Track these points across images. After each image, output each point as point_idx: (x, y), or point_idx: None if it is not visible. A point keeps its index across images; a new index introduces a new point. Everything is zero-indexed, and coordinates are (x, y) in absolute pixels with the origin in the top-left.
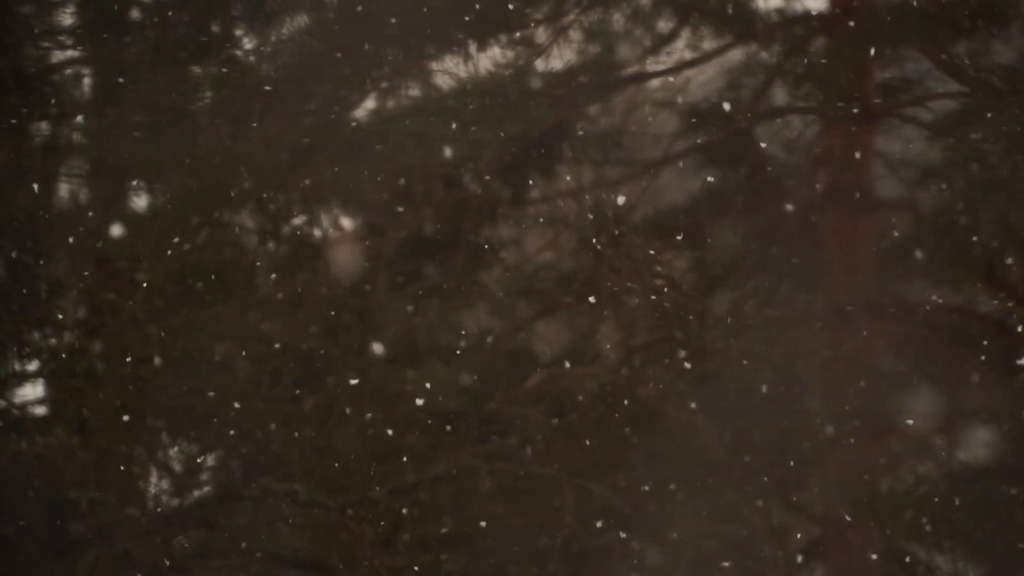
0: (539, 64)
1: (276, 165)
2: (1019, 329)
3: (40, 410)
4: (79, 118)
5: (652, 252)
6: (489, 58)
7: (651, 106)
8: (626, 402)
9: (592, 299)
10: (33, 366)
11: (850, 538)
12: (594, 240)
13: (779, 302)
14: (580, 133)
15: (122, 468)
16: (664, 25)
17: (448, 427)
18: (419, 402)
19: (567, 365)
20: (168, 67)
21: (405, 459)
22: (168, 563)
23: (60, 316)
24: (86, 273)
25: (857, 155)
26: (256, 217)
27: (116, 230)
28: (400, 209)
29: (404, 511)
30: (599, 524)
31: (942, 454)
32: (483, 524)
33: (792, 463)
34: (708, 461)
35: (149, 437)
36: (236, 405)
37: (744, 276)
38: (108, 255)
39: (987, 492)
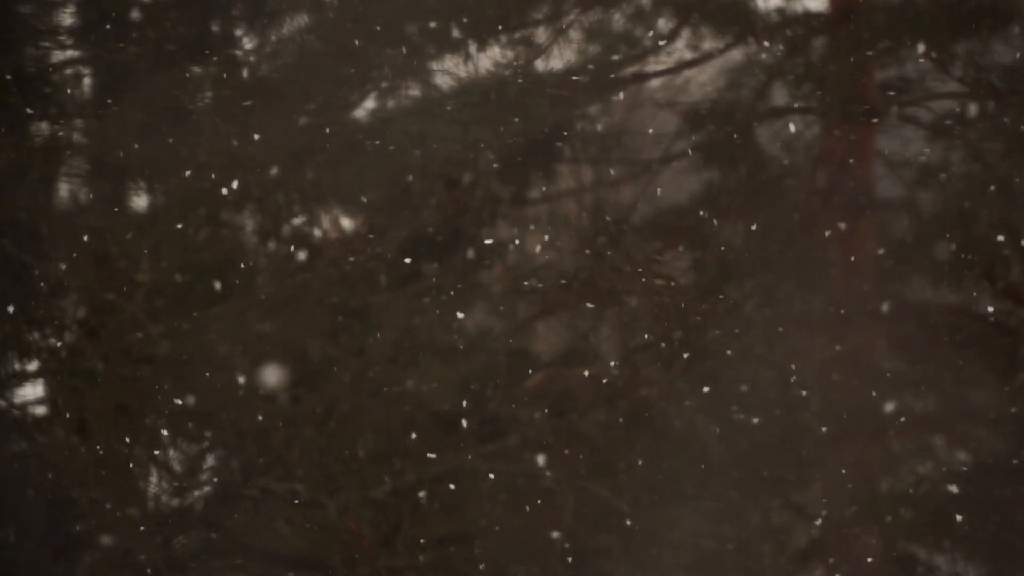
0: (539, 64)
1: (276, 165)
2: (1019, 329)
3: (40, 410)
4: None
5: (652, 252)
6: (489, 58)
7: (651, 106)
8: (626, 402)
9: (592, 299)
10: (33, 366)
11: (850, 538)
12: (594, 240)
13: (779, 302)
14: (580, 133)
15: (122, 468)
16: (664, 25)
17: (448, 427)
18: (419, 402)
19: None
20: (168, 67)
21: (405, 459)
22: (168, 563)
23: (60, 316)
24: (86, 273)
25: (857, 155)
26: (256, 217)
27: (116, 230)
28: (400, 209)
29: (404, 511)
30: (599, 524)
31: (942, 454)
32: (483, 524)
33: (792, 463)
34: (708, 461)
35: (149, 437)
36: (236, 405)
37: (744, 276)
38: (108, 255)
39: (987, 492)
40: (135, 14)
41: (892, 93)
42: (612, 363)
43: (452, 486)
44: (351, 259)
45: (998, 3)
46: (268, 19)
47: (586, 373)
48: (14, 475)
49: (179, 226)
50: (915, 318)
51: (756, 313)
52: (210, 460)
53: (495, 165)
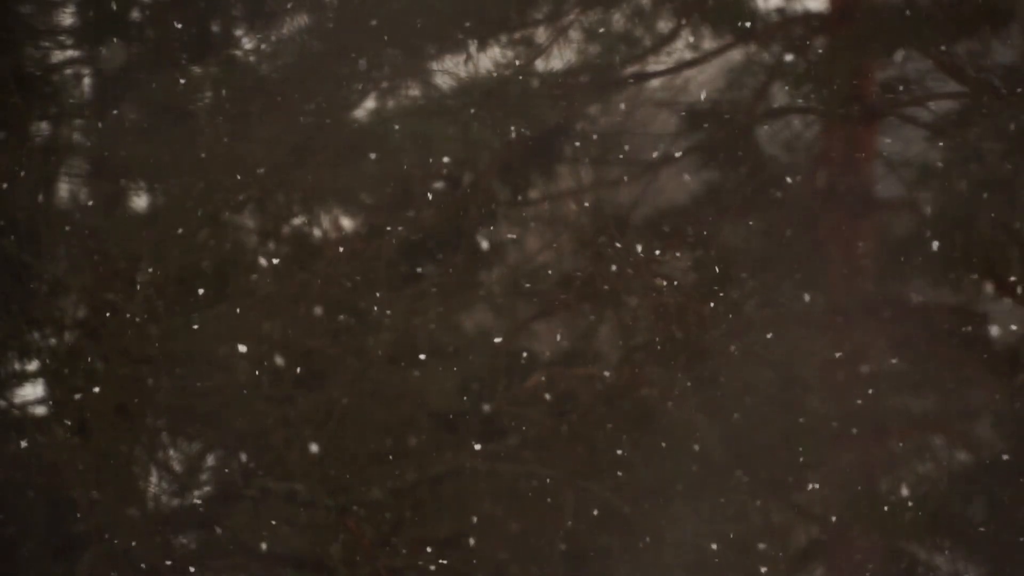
0: (539, 64)
1: (276, 165)
2: (1019, 329)
3: (40, 410)
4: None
5: (652, 252)
6: (489, 58)
7: (651, 106)
8: (626, 402)
9: (592, 299)
10: (33, 366)
11: (850, 538)
12: (593, 240)
13: (779, 302)
14: (580, 133)
15: (122, 468)
16: (664, 25)
17: (448, 427)
18: (419, 402)
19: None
20: (168, 67)
21: (405, 459)
22: (168, 563)
23: (60, 316)
24: (86, 273)
25: (857, 155)
26: (256, 217)
27: (116, 230)
28: (400, 209)
29: (404, 511)
30: (599, 524)
31: (942, 454)
32: (483, 524)
33: (792, 463)
34: (708, 461)
35: (149, 437)
36: (236, 405)
37: (744, 276)
38: (108, 255)
39: (987, 492)
40: (135, 14)
41: (892, 93)
42: (612, 363)
43: (452, 486)
44: (351, 259)
45: (998, 3)
46: (268, 19)
47: (586, 373)
48: (14, 475)
49: (179, 226)
50: (915, 318)
51: (756, 313)
52: (210, 460)
53: (495, 165)
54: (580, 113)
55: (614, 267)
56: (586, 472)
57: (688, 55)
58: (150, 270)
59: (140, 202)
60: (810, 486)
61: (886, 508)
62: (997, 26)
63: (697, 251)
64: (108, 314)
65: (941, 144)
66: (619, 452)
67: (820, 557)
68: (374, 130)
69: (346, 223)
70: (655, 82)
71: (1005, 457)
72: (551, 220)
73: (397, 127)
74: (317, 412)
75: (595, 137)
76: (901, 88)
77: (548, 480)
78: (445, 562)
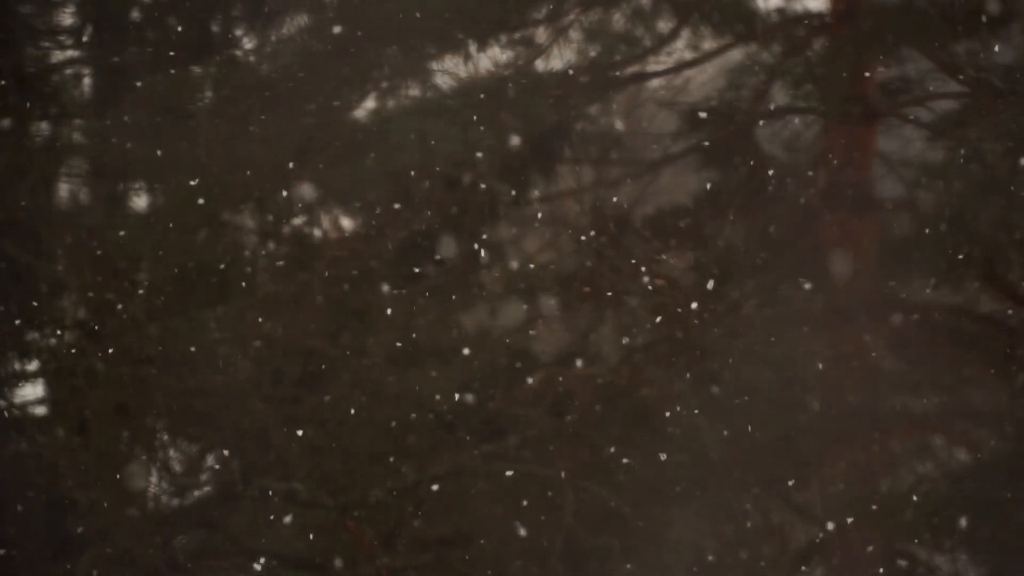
0: (539, 64)
1: (276, 165)
2: (1019, 329)
3: (40, 410)
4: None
5: (652, 252)
6: (489, 58)
7: (651, 106)
8: (626, 402)
9: (592, 299)
10: (33, 366)
11: (850, 538)
12: (593, 240)
13: (779, 302)
14: (580, 133)
15: (122, 468)
16: (664, 25)
17: (448, 427)
18: (419, 402)
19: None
20: (168, 67)
21: (405, 459)
22: (168, 563)
23: (60, 316)
24: (86, 273)
25: (857, 155)
26: (256, 217)
27: (116, 230)
28: (400, 209)
29: (404, 511)
30: (599, 524)
31: (942, 454)
32: (483, 524)
33: (792, 463)
34: (708, 461)
35: (149, 437)
36: (236, 405)
37: (744, 276)
38: (108, 255)
39: (987, 492)
40: (135, 14)
41: (892, 93)
42: (612, 363)
43: (452, 486)
44: (351, 259)
45: (998, 3)
46: (268, 19)
47: (585, 372)
48: (14, 475)
49: (179, 226)
50: (915, 318)
51: (756, 313)
52: (210, 460)
53: (495, 165)
54: (580, 113)
55: (614, 267)
56: (586, 472)
57: (688, 55)
58: (150, 270)
59: (140, 202)
60: (810, 486)
61: (886, 508)
62: (997, 26)
63: (697, 251)
64: (108, 314)
65: (941, 144)
66: (619, 452)
67: (820, 557)
68: (374, 130)
69: (346, 223)
70: (655, 82)
71: (1005, 457)
72: (551, 220)
73: (397, 127)
74: (317, 412)
75: (595, 137)
76: (901, 88)
77: (548, 480)
78: (445, 562)
